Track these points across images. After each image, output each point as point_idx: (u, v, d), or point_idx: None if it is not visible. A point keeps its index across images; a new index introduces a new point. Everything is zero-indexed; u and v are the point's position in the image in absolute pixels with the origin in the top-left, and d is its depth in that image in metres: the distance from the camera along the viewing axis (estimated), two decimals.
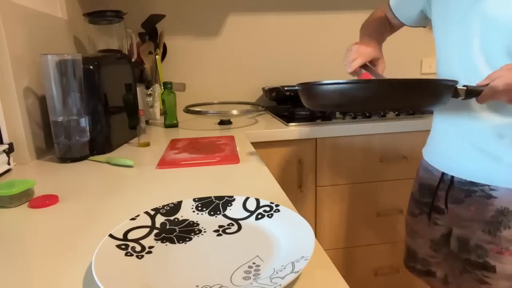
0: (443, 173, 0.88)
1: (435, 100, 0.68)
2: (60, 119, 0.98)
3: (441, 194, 0.89)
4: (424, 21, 0.98)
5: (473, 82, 0.72)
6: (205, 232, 0.56)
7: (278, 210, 0.59)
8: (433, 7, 0.86)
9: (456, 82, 0.68)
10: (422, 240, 0.97)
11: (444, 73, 0.84)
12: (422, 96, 0.67)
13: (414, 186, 1.01)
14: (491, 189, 0.79)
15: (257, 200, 0.62)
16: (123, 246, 0.50)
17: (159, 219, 0.58)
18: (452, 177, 0.85)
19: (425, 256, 0.98)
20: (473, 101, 0.72)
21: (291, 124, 1.36)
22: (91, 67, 1.01)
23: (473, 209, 0.82)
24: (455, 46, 0.78)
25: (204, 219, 0.60)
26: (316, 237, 0.51)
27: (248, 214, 0.60)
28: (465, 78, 0.75)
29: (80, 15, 1.39)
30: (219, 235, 0.55)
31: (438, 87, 0.68)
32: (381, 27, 1.02)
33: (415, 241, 0.99)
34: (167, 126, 1.43)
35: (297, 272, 0.42)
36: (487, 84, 0.66)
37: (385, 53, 0.91)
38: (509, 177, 0.77)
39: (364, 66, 0.86)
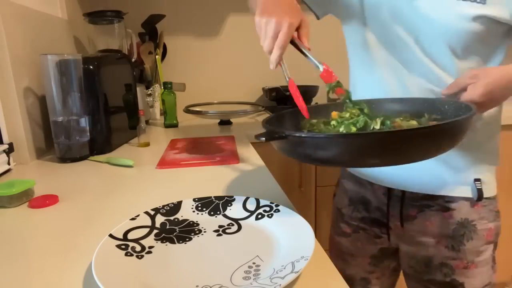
0: (389, 189, 0.81)
1: (456, 141, 0.53)
2: (60, 119, 0.98)
3: (388, 210, 0.82)
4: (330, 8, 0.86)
5: (419, 85, 0.72)
6: (205, 232, 0.56)
7: (278, 210, 0.59)
8: (349, 9, 0.79)
9: (470, 107, 0.55)
10: (361, 259, 0.89)
11: (368, 77, 0.80)
12: (443, 141, 0.51)
13: (341, 202, 0.91)
14: (446, 202, 0.76)
15: (257, 200, 0.62)
16: (123, 246, 0.50)
17: (159, 219, 0.58)
18: (403, 193, 0.79)
19: (365, 275, 0.90)
20: None
21: None
22: (91, 67, 1.01)
23: (429, 224, 0.77)
24: (391, 48, 0.74)
25: (204, 219, 0.60)
26: (316, 237, 0.51)
27: (248, 214, 0.60)
28: (411, 80, 0.73)
29: (80, 15, 1.39)
30: (219, 235, 0.55)
31: (462, 124, 0.52)
32: None
33: (351, 263, 0.90)
34: (167, 126, 1.43)
35: (297, 272, 0.41)
36: (459, 92, 0.64)
37: None
38: (465, 186, 0.75)
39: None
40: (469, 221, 0.75)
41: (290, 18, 0.58)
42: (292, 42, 0.61)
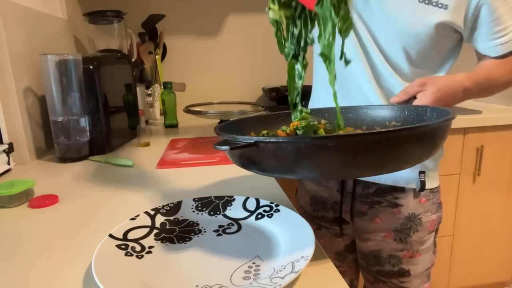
0: (342, 186, 0.85)
1: (435, 148, 0.47)
2: (60, 119, 0.98)
3: (342, 207, 0.87)
4: None
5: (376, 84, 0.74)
6: (205, 232, 0.56)
7: (278, 210, 0.59)
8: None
9: (448, 112, 0.50)
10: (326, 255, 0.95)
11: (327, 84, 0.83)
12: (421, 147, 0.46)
13: (303, 201, 0.96)
14: (395, 198, 0.80)
15: (257, 200, 0.62)
16: (123, 246, 0.50)
17: (159, 219, 0.58)
18: (354, 189, 0.83)
19: None
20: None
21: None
22: (91, 67, 1.00)
23: (379, 220, 0.82)
24: (350, 50, 0.74)
25: (204, 219, 0.60)
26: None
27: (248, 214, 0.60)
28: (366, 82, 0.75)
29: (80, 15, 1.39)
30: (219, 235, 0.55)
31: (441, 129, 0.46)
32: None
33: None
34: (167, 126, 1.43)
35: (297, 272, 0.42)
36: (410, 100, 0.66)
37: None
38: (411, 177, 0.79)
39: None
40: (415, 215, 0.81)
41: None
42: None
